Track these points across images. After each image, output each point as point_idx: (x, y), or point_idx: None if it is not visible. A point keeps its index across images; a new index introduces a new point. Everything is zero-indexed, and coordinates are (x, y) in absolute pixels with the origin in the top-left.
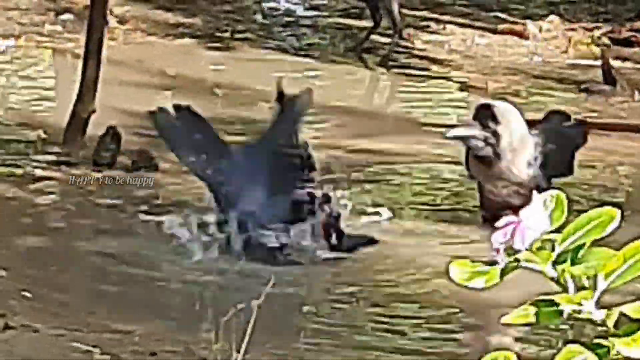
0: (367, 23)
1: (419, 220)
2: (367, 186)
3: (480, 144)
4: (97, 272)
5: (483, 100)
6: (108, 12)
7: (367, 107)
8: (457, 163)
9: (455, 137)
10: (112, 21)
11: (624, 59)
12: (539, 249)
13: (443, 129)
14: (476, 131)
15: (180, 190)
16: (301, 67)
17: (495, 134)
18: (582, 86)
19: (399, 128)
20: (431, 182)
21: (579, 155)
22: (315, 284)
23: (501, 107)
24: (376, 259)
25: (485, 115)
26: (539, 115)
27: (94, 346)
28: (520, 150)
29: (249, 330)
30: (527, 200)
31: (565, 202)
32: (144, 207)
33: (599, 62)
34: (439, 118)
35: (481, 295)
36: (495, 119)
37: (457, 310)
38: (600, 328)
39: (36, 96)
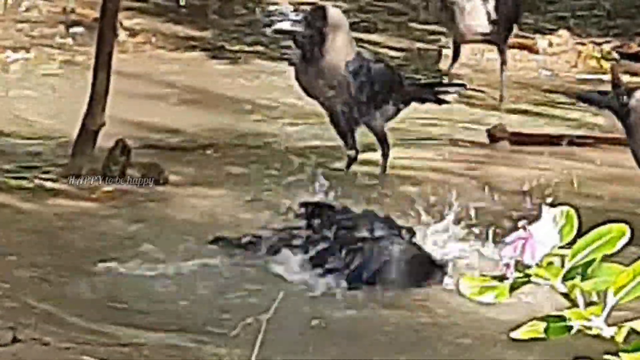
0: (377, 37)
1: None
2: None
3: (305, 40)
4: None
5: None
6: (118, 25)
7: None
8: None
9: (280, 30)
10: (122, 34)
11: (634, 74)
12: (549, 264)
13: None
14: (302, 28)
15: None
16: None
17: (322, 33)
18: None
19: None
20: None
21: (589, 172)
22: None
23: (333, 12)
24: None
25: (316, 16)
26: (548, 130)
27: (103, 359)
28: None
29: (257, 344)
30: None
31: (575, 217)
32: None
33: (608, 77)
34: (447, 132)
35: None
36: (325, 20)
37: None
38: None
39: (46, 108)
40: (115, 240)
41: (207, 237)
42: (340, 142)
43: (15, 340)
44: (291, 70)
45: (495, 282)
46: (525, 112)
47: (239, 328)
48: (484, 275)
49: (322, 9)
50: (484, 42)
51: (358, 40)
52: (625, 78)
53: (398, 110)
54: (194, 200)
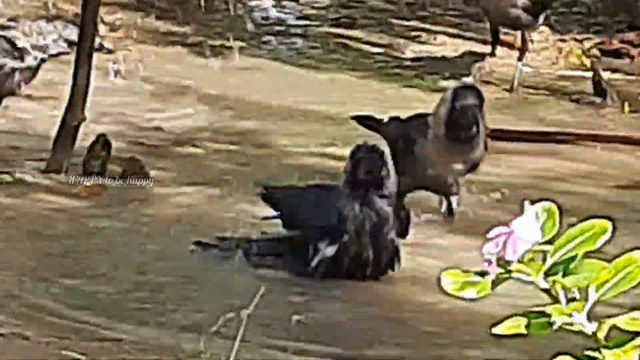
0: (358, 33)
1: None
2: None
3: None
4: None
5: None
6: (99, 20)
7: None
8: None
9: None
10: (102, 29)
11: (614, 71)
12: (531, 260)
13: None
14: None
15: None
16: (292, 75)
17: (481, 112)
18: (573, 97)
19: None
20: None
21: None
22: None
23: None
24: None
25: (475, 95)
26: (529, 126)
27: (83, 354)
28: None
29: (237, 339)
30: None
31: (557, 213)
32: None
33: (589, 74)
34: None
35: None
36: (481, 100)
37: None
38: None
39: (27, 103)
40: (96, 234)
41: (187, 235)
42: (324, 139)
43: None
44: (273, 66)
45: (477, 278)
46: (506, 108)
47: (219, 323)
48: (465, 271)
49: (477, 89)
50: (512, 27)
51: (339, 35)
52: (606, 75)
53: None
54: (174, 197)
